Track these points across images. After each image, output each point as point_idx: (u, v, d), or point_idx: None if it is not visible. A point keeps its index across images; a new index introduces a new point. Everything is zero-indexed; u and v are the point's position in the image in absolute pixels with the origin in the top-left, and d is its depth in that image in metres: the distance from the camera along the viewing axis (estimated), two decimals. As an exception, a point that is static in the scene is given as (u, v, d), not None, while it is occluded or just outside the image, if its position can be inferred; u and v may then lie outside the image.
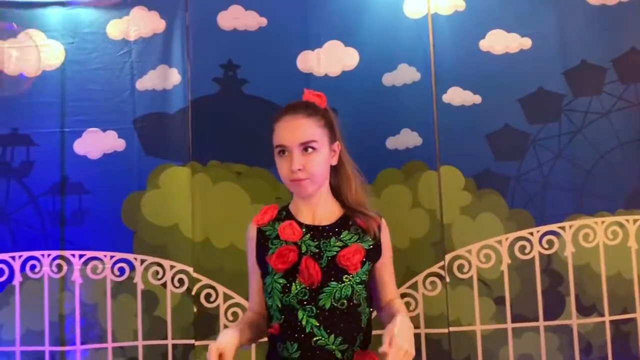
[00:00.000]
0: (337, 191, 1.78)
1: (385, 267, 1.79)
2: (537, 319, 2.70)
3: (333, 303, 1.62)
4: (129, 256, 2.73)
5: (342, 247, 1.67)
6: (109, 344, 2.73)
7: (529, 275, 2.71)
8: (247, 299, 2.63)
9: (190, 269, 2.71)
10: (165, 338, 2.72)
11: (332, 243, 1.68)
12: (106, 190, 2.78)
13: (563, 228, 2.71)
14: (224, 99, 2.79)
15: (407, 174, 2.76)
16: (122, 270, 2.73)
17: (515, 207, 2.74)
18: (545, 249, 2.72)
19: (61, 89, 2.82)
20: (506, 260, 2.72)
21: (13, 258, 2.77)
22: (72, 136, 2.81)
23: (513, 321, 2.71)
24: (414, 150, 2.77)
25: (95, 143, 2.80)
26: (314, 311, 1.61)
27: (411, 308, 2.72)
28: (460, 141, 2.76)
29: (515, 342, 2.70)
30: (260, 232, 1.75)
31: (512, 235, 2.73)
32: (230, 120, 2.78)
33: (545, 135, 2.76)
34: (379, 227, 1.76)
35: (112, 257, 2.75)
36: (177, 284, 2.74)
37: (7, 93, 2.83)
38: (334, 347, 1.61)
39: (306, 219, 1.73)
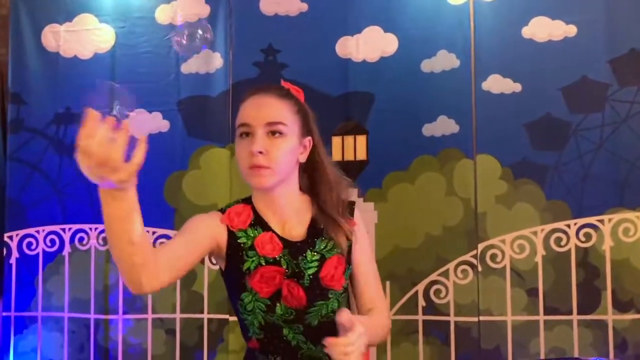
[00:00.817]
0: (312, 194, 1.55)
1: (360, 271, 1.55)
2: (570, 313, 2.65)
3: (320, 319, 1.48)
4: (170, 232, 2.86)
5: (320, 261, 1.48)
6: (149, 315, 2.87)
7: (564, 267, 2.66)
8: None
9: (226, 247, 2.80)
10: (202, 312, 2.84)
11: (309, 258, 1.48)
12: (150, 169, 2.80)
13: (602, 221, 2.64)
14: (264, 83, 2.84)
15: (443, 162, 2.75)
16: (163, 245, 2.86)
17: (552, 198, 2.69)
18: (582, 241, 2.66)
19: (111, 71, 2.96)
20: (541, 251, 2.68)
21: (63, 230, 2.95)
22: (120, 116, 2.94)
23: (545, 313, 2.67)
24: (450, 138, 2.75)
25: (142, 124, 2.92)
26: (301, 329, 1.47)
27: (441, 295, 2.72)
28: (498, 130, 2.73)
29: (547, 334, 2.66)
30: (231, 235, 1.48)
31: (548, 227, 2.68)
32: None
33: (587, 126, 2.69)
34: (351, 231, 1.53)
35: (154, 232, 2.88)
36: (213, 261, 2.84)
37: (62, 74, 2.99)
38: (321, 355, 1.44)
39: (276, 227, 1.50)
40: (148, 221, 2.80)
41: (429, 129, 2.78)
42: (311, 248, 1.49)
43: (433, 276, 2.73)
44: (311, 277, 1.47)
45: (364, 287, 1.55)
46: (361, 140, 2.82)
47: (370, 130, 2.81)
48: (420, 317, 2.74)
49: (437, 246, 2.73)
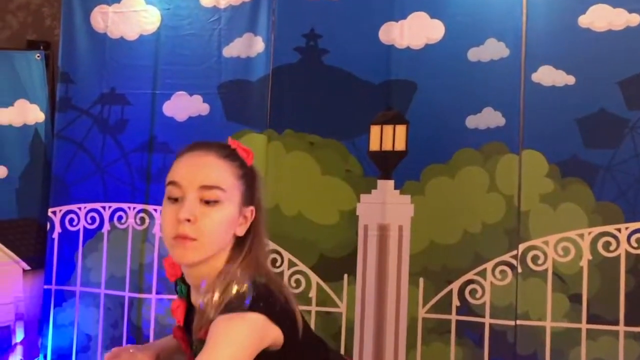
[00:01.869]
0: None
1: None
2: (617, 323, 2.49)
3: None
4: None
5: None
6: (181, 297, 2.89)
7: (612, 274, 2.50)
8: (310, 267, 2.72)
9: (259, 234, 2.79)
10: (232, 297, 2.83)
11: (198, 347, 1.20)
12: None
13: (657, 227, 2.46)
14: (304, 69, 2.82)
15: (486, 156, 2.63)
16: (197, 228, 2.87)
17: (603, 199, 2.52)
18: (634, 247, 2.49)
19: (155, 52, 2.99)
20: (587, 255, 2.52)
21: (104, 208, 3.01)
22: (162, 98, 2.98)
23: (589, 322, 2.51)
24: (495, 131, 2.63)
25: (182, 106, 2.95)
26: None
27: (477, 296, 2.61)
28: (547, 124, 2.58)
29: (589, 344, 2.51)
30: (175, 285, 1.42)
31: (597, 230, 2.52)
32: (307, 90, 2.80)
33: (646, 123, 2.50)
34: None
35: (189, 215, 2.89)
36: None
37: (109, 55, 3.04)
38: None
39: (193, 299, 1.31)
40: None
41: (472, 121, 2.66)
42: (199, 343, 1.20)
43: (469, 275, 2.62)
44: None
45: None
46: (401, 130, 2.73)
47: (410, 120, 2.72)
48: (453, 317, 2.64)
49: (475, 244, 2.62)
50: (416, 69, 2.72)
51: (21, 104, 3.05)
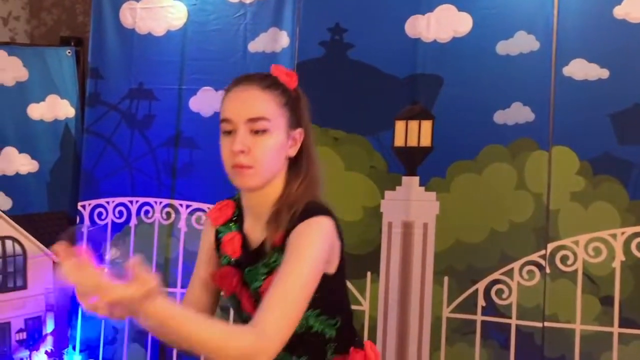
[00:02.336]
0: (284, 184, 1.38)
1: (275, 281, 1.24)
2: (650, 327, 2.41)
3: None
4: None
5: (267, 275, 1.33)
6: (206, 292, 2.93)
7: (646, 276, 2.41)
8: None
9: (282, 230, 2.80)
10: (256, 293, 2.85)
11: (260, 270, 1.35)
12: (214, 146, 2.88)
13: (694, 228, 2.37)
14: (328, 64, 2.81)
15: (514, 152, 2.58)
16: (222, 223, 2.90)
17: (637, 198, 2.44)
18: (670, 249, 2.40)
19: (182, 48, 3.02)
20: (620, 256, 2.45)
21: (131, 202, 3.07)
22: (189, 93, 3.01)
23: (621, 326, 2.44)
24: (524, 127, 2.57)
25: (208, 101, 2.98)
26: None
27: (504, 296, 2.56)
28: (579, 120, 2.51)
29: (621, 349, 2.44)
30: (216, 234, 1.47)
31: (630, 230, 2.44)
32: (332, 85, 2.79)
33: (684, 119, 2.40)
34: (286, 233, 1.30)
35: (214, 210, 2.92)
36: (270, 243, 2.85)
37: (137, 50, 3.09)
38: None
39: (249, 226, 1.41)
40: (209, 198, 2.89)
41: (501, 116, 2.60)
42: (263, 260, 1.35)
43: (495, 275, 2.58)
44: (257, 290, 1.34)
45: (265, 296, 1.23)
46: (426, 125, 2.69)
47: (436, 116, 2.68)
48: (479, 317, 2.60)
49: (502, 243, 2.57)
50: (443, 63, 2.68)
51: (52, 99, 3.13)
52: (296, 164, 1.38)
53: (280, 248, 1.30)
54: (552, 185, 2.52)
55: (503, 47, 2.62)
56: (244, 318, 1.39)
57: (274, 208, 1.34)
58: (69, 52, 3.19)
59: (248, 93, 1.33)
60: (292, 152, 1.37)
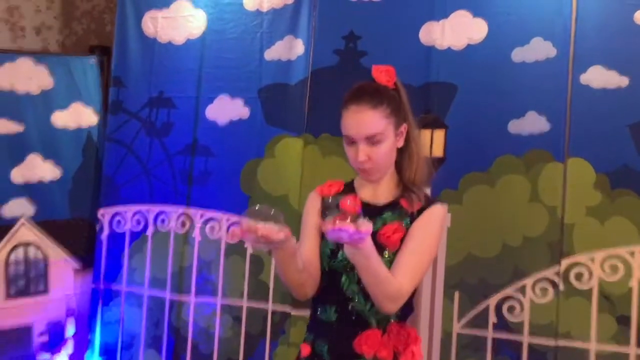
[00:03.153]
0: (398, 168, 1.76)
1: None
2: (670, 350, 2.33)
3: None
4: (243, 220, 2.95)
5: (383, 223, 1.69)
6: (219, 300, 3.01)
7: (666, 296, 2.35)
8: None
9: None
10: (267, 301, 2.91)
11: (375, 221, 1.67)
12: (228, 155, 3.03)
13: None
14: (342, 71, 2.84)
15: (529, 164, 2.55)
16: (235, 232, 2.97)
17: (657, 213, 2.37)
18: (692, 268, 2.32)
19: (200, 56, 3.12)
20: (638, 275, 2.39)
21: (148, 211, 3.18)
22: (206, 102, 3.10)
23: (639, 346, 2.37)
24: (539, 137, 2.54)
25: (224, 110, 3.06)
26: (356, 277, 1.65)
27: (515, 312, 2.54)
28: (596, 130, 2.48)
29: (639, 371, 2.37)
30: (323, 201, 1.74)
31: (650, 247, 2.38)
32: (345, 93, 2.80)
33: None
34: (421, 209, 1.69)
35: (227, 219, 3.00)
36: (282, 253, 2.90)
37: (158, 59, 3.21)
38: (369, 314, 1.67)
39: (366, 196, 1.75)
40: (223, 206, 2.97)
41: (515, 126, 2.58)
42: (380, 215, 1.70)
43: (508, 291, 2.55)
44: (373, 233, 1.58)
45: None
46: (439, 135, 2.69)
47: (449, 125, 2.68)
48: (490, 334, 2.58)
49: (515, 258, 2.55)
50: (457, 71, 2.68)
51: (76, 107, 3.28)
52: (403, 149, 1.73)
53: (396, 210, 1.70)
54: (567, 199, 2.49)
55: (518, 54, 2.60)
56: (339, 260, 1.69)
57: (402, 187, 1.73)
58: (93, 61, 3.33)
59: (361, 115, 1.65)
60: (400, 143, 1.72)
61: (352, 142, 1.67)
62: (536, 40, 2.57)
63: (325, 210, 1.50)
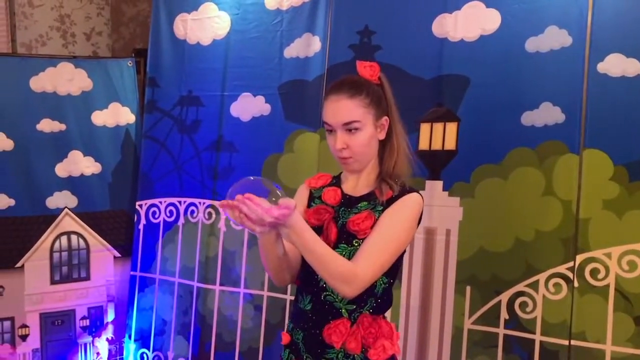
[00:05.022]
0: (379, 160, 1.68)
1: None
2: (693, 353, 2.03)
3: None
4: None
5: (356, 213, 1.62)
6: (241, 289, 2.90)
7: (688, 296, 2.05)
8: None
9: (310, 232, 2.70)
10: (285, 292, 2.78)
11: (350, 211, 1.64)
12: (251, 150, 2.92)
13: None
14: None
15: (542, 156, 2.29)
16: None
17: (679, 208, 2.07)
18: None
19: (225, 56, 3.01)
20: (658, 272, 2.09)
21: (180, 202, 3.10)
22: (230, 100, 2.99)
23: (659, 350, 2.09)
24: (553, 129, 2.28)
25: (247, 107, 2.95)
26: None
27: (528, 309, 2.29)
28: (614, 120, 2.19)
29: (659, 375, 2.08)
30: (310, 193, 1.75)
31: (671, 243, 2.08)
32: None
33: None
34: (392, 198, 1.59)
35: (249, 212, 2.87)
36: (299, 245, 2.76)
37: (187, 59, 3.12)
38: (341, 305, 1.60)
39: (347, 188, 1.69)
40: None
41: (529, 118, 2.33)
42: (358, 203, 1.63)
43: (520, 286, 2.31)
44: (343, 224, 1.61)
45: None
46: (451, 128, 2.47)
47: (462, 118, 2.45)
48: (501, 331, 2.34)
49: (528, 253, 2.30)
50: (469, 63, 2.45)
51: (114, 106, 3.24)
52: (385, 141, 1.64)
53: (371, 200, 1.61)
54: (582, 192, 2.22)
55: (533, 44, 2.34)
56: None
57: (379, 178, 1.63)
58: (130, 63, 3.28)
59: (339, 103, 1.58)
60: (382, 135, 1.63)
61: (331, 130, 1.62)
62: (551, 29, 2.30)
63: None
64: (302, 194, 1.76)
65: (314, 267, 1.47)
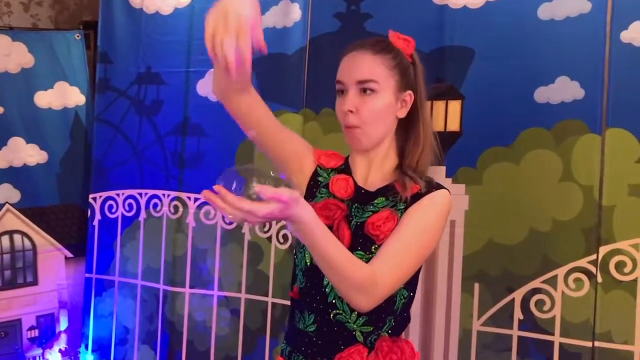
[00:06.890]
0: (400, 151, 1.39)
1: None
2: None
3: None
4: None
5: (373, 212, 1.33)
6: (215, 292, 2.58)
7: None
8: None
9: (294, 226, 2.39)
10: (266, 294, 2.47)
11: (365, 208, 1.35)
12: (222, 134, 2.58)
13: None
14: (344, 38, 2.34)
15: (559, 137, 2.05)
16: (231, 218, 2.53)
17: None
18: None
19: (189, 26, 2.65)
20: (691, 265, 1.88)
21: (140, 195, 2.74)
22: (196, 76, 2.64)
23: (692, 350, 1.88)
24: (571, 106, 2.04)
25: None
26: None
27: (545, 308, 2.06)
28: (639, 96, 1.94)
29: (692, 378, 1.88)
30: (316, 172, 1.43)
31: None
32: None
33: None
34: (417, 195, 1.31)
35: (222, 203, 2.54)
36: (281, 240, 2.46)
37: (145, 31, 2.74)
38: (355, 326, 1.31)
39: (358, 179, 1.40)
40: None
41: (543, 94, 2.08)
42: (372, 201, 1.35)
43: (535, 283, 2.08)
44: (357, 224, 1.33)
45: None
46: (454, 106, 2.20)
47: (466, 95, 2.19)
48: (515, 332, 2.11)
49: (544, 245, 2.07)
50: (474, 33, 2.18)
51: (61, 86, 2.84)
52: (408, 128, 1.37)
53: (390, 196, 1.33)
54: (605, 177, 2.00)
55: (546, 11, 2.08)
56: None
57: (399, 171, 1.36)
58: (78, 36, 2.88)
59: (360, 57, 1.34)
60: (402, 113, 1.36)
61: (342, 90, 1.35)
62: (567, -7, 2.05)
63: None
64: (305, 152, 1.44)
65: (324, 271, 1.16)
